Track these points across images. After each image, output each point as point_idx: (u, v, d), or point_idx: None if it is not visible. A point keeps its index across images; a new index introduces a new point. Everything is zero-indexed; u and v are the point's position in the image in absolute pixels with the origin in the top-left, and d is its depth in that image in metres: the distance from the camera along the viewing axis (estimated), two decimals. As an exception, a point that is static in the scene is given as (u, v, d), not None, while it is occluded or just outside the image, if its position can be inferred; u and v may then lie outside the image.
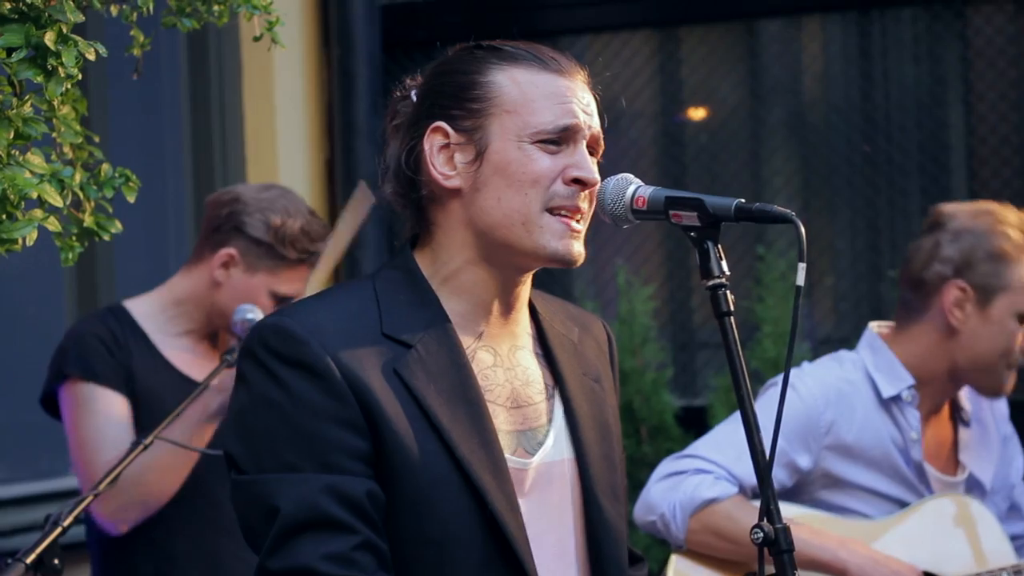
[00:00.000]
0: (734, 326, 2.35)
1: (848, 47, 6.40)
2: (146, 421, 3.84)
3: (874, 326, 3.84)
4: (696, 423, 5.85)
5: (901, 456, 3.74)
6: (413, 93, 2.53)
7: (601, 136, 2.50)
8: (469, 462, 2.37)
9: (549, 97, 2.45)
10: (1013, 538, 3.91)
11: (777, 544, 2.29)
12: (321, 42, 6.42)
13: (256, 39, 2.90)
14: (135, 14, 2.76)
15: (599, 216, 2.47)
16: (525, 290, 2.53)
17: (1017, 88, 6.16)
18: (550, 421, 2.51)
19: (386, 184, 2.53)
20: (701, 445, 3.71)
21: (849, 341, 4.02)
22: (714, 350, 6.43)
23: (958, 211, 3.79)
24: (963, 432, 3.87)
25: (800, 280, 2.29)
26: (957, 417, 3.88)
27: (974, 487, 3.86)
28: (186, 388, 3.85)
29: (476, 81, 2.47)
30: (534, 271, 2.51)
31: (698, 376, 6.45)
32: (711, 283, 2.36)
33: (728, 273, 2.37)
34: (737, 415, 3.71)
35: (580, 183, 2.44)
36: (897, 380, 3.75)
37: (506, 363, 2.50)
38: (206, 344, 4.10)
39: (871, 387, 3.76)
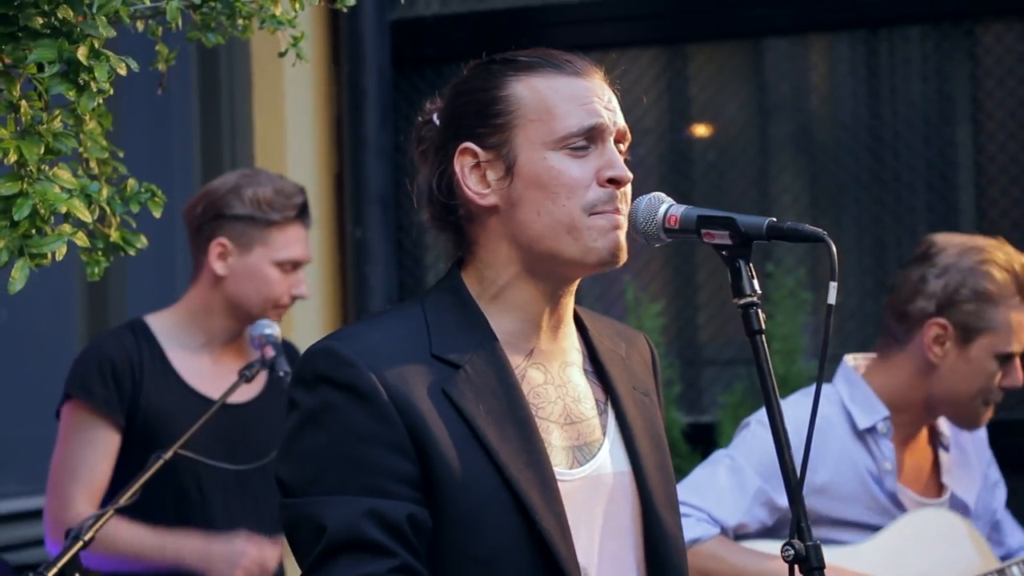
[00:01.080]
0: (766, 344, 2.35)
1: (856, 65, 6.40)
2: (157, 440, 3.86)
3: (849, 359, 3.86)
4: (703, 440, 5.85)
5: (877, 485, 3.76)
6: (435, 117, 2.53)
7: (628, 131, 2.50)
8: (518, 481, 2.36)
9: (570, 100, 2.45)
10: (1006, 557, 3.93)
11: (808, 562, 2.29)
12: (331, 57, 6.43)
13: (281, 54, 2.90)
14: (160, 29, 2.76)
15: (629, 234, 2.47)
16: (570, 303, 2.53)
17: (1026, 107, 6.17)
18: (604, 435, 2.51)
19: (422, 211, 2.53)
20: (680, 490, 3.71)
21: (855, 360, 4.01)
22: (721, 367, 6.43)
23: (948, 244, 3.77)
24: (943, 456, 3.88)
25: (832, 299, 2.29)
26: (936, 442, 3.90)
27: (958, 509, 3.87)
28: (198, 405, 3.89)
29: (496, 96, 2.46)
30: (578, 282, 2.51)
31: (704, 393, 6.45)
32: (743, 301, 2.36)
33: (760, 291, 2.38)
34: (714, 456, 3.75)
35: (615, 182, 2.44)
36: (872, 412, 3.76)
37: (557, 380, 2.49)
38: (229, 357, 4.12)
39: (846, 419, 3.77)
